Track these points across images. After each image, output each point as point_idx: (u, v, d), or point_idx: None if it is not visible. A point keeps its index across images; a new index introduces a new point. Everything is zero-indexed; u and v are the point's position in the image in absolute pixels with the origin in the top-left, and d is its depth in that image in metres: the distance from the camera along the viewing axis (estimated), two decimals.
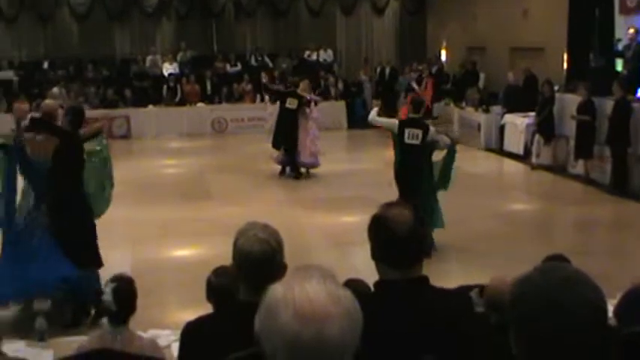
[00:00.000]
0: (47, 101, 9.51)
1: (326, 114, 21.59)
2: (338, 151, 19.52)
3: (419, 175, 10.11)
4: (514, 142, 18.10)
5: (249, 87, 23.97)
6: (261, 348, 1.78)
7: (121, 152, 17.24)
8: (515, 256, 9.08)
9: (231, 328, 2.87)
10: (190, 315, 3.44)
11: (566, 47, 17.32)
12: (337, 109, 23.72)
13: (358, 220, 9.56)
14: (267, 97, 20.84)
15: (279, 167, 16.34)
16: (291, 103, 15.89)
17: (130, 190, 13.47)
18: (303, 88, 16.28)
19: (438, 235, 10.09)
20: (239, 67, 25.44)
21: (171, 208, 13.18)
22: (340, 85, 24.79)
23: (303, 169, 16.16)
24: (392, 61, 26.18)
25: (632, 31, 15.18)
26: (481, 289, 4.37)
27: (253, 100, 23.64)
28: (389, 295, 2.99)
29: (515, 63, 20.59)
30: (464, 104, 21.07)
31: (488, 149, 19.08)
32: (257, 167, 16.88)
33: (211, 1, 26.29)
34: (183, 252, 10.86)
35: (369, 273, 3.39)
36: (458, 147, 10.77)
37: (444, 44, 24.79)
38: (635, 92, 14.39)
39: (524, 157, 17.41)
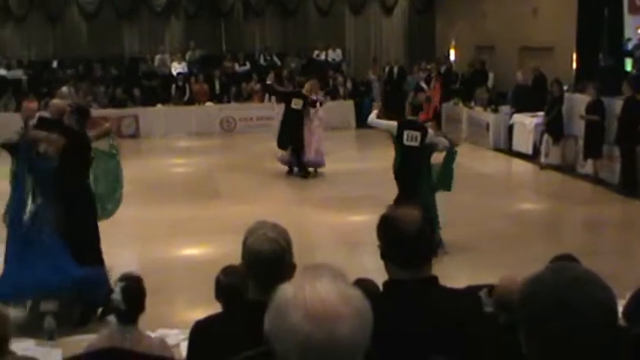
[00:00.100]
0: (55, 101, 9.55)
1: (334, 113, 21.61)
2: (346, 150, 19.53)
3: (418, 176, 10.22)
4: (523, 142, 18.06)
5: (257, 86, 23.96)
6: (271, 347, 1.78)
7: (130, 151, 17.26)
8: (524, 256, 9.06)
9: (241, 327, 2.88)
10: (199, 314, 3.45)
11: (575, 47, 17.27)
12: (345, 108, 23.70)
13: (367, 219, 9.55)
14: (273, 98, 20.92)
15: (286, 167, 16.38)
16: (297, 104, 15.98)
17: (139, 189, 13.48)
18: (307, 88, 16.36)
19: (446, 234, 10.09)
20: (248, 66, 25.46)
21: (180, 207, 13.19)
22: (349, 85, 24.78)
23: (310, 169, 16.19)
24: (400, 60, 26.14)
25: None
26: (490, 288, 4.36)
27: (262, 100, 23.64)
28: (398, 295, 3.00)
29: (524, 62, 20.54)
30: (472, 104, 21.02)
31: (497, 149, 19.04)
32: (265, 166, 16.88)
33: (220, 1, 26.30)
34: (192, 251, 10.87)
35: (378, 273, 3.39)
36: (460, 148, 10.85)
37: (453, 43, 24.71)
38: None
39: (532, 157, 17.37)
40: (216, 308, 4.06)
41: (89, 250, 8.13)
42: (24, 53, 25.30)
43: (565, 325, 1.83)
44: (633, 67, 15.66)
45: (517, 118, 18.41)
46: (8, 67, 23.98)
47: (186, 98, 23.85)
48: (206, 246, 10.87)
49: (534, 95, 18.05)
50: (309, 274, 1.85)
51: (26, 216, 7.91)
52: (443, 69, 23.53)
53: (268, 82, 22.44)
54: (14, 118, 15.79)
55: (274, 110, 19.11)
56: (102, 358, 4.27)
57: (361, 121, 23.29)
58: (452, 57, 24.54)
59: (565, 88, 16.64)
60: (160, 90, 24.15)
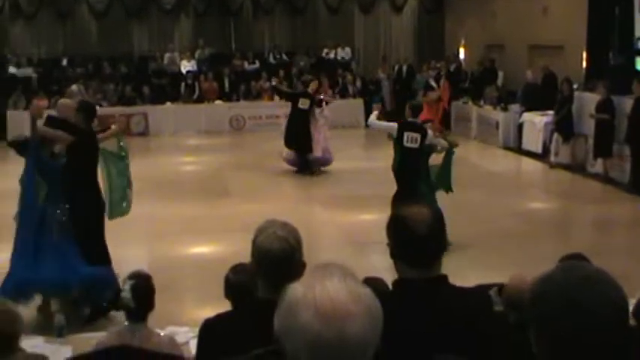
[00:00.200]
0: (63, 100, 9.55)
1: (343, 112, 21.63)
2: (355, 148, 19.53)
3: (417, 177, 10.33)
4: (532, 141, 18.03)
5: (267, 85, 23.97)
6: (281, 346, 1.78)
7: (139, 149, 17.28)
8: (534, 255, 9.04)
9: (250, 325, 2.88)
10: (208, 312, 3.45)
11: (585, 45, 17.23)
12: (355, 107, 23.67)
13: (376, 218, 9.56)
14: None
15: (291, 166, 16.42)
16: (304, 104, 16.06)
17: (148, 187, 13.48)
18: (312, 88, 16.44)
19: (455, 233, 10.06)
20: (257, 64, 25.46)
21: (190, 205, 13.19)
22: (358, 83, 24.78)
23: (314, 169, 16.24)
24: (410, 59, 26.10)
25: None
26: (500, 287, 4.35)
27: (271, 98, 23.62)
28: (408, 294, 2.99)
29: (534, 61, 20.49)
30: (482, 102, 20.99)
31: (507, 148, 19.02)
32: (275, 165, 16.87)
33: None
34: (201, 249, 10.88)
35: (387, 272, 3.38)
36: (463, 147, 10.89)
37: (463, 42, 24.67)
38: None
39: (542, 156, 17.34)
40: (225, 306, 4.06)
41: (96, 249, 8.14)
42: (34, 51, 25.34)
43: (575, 324, 1.82)
44: None
45: (527, 116, 18.39)
46: (18, 65, 24.01)
47: (195, 96, 23.88)
48: (215, 244, 10.88)
49: (544, 94, 18.01)
50: (319, 273, 1.85)
51: (36, 214, 7.91)
52: (452, 67, 23.51)
53: (273, 83, 22.47)
54: (24, 116, 15.85)
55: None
56: (111, 355, 4.27)
57: None
58: (461, 55, 24.51)
59: (575, 86, 16.59)
60: (170, 88, 24.20)
